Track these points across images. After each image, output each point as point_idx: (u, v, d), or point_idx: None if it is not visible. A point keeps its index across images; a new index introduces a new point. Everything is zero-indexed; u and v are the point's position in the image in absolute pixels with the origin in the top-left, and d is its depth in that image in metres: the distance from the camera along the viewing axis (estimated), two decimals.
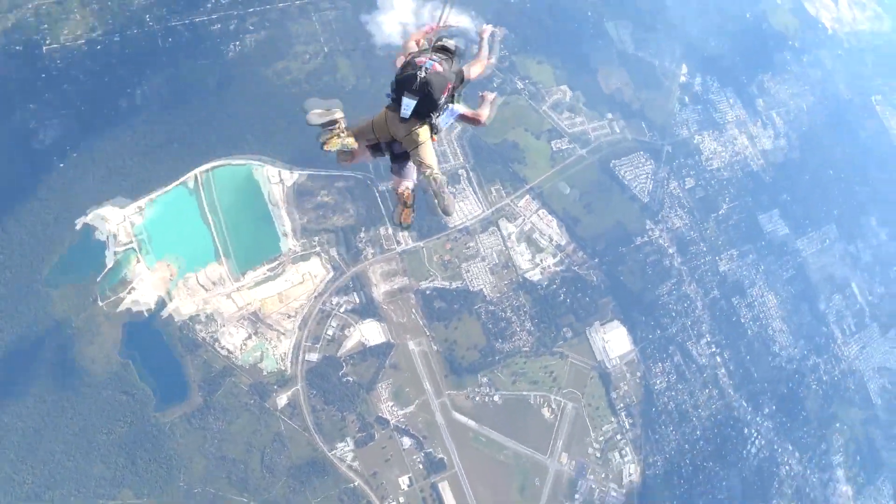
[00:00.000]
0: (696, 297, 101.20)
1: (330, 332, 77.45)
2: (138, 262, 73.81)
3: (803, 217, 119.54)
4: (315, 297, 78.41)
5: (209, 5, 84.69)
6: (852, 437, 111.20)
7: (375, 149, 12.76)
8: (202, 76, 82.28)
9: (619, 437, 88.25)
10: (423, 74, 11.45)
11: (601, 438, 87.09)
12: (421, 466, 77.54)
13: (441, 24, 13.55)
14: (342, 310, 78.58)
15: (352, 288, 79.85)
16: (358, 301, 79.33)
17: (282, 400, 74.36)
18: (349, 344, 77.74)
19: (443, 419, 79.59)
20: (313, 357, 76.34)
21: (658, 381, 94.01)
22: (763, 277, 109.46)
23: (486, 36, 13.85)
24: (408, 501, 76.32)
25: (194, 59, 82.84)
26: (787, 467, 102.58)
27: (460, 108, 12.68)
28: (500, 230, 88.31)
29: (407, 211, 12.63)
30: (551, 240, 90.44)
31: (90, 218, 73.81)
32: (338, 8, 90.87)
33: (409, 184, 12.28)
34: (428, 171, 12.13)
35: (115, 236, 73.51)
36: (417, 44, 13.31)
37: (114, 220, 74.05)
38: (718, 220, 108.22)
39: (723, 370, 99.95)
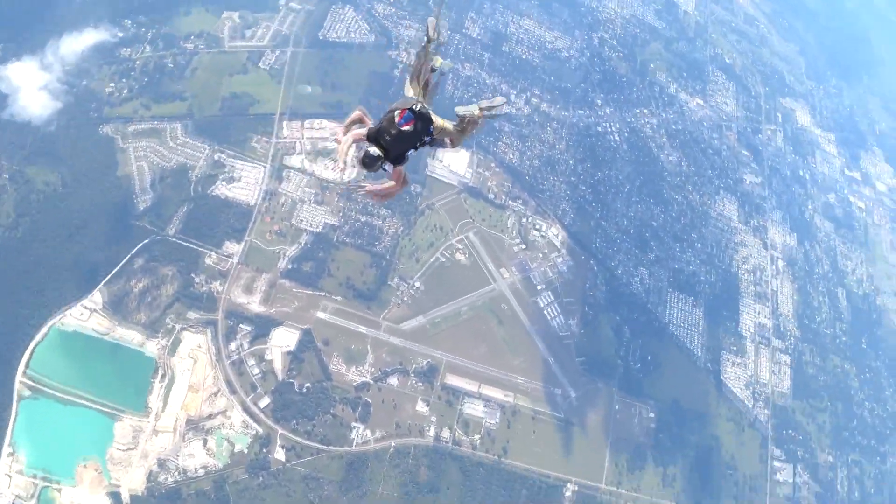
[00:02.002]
0: (475, 71, 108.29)
1: (256, 371, 78.25)
2: (59, 491, 70.45)
3: None
4: (216, 361, 78.35)
5: None
6: (668, 64, 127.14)
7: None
8: None
9: (523, 220, 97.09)
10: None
11: (513, 233, 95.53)
12: (421, 384, 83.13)
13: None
14: (246, 348, 79.13)
15: (234, 324, 79.96)
16: (250, 328, 79.95)
17: (279, 454, 75.91)
18: (278, 364, 79.22)
19: (398, 339, 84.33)
20: (266, 402, 77.46)
21: (511, 156, 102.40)
22: (508, 13, 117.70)
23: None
24: (438, 414, 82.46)
25: None
26: (648, 126, 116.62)
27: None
28: (291, 168, 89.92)
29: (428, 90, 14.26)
30: (334, 134, 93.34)
31: None
32: None
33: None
34: None
35: (15, 495, 69.21)
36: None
37: (2, 485, 69.58)
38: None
39: (544, 104, 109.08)
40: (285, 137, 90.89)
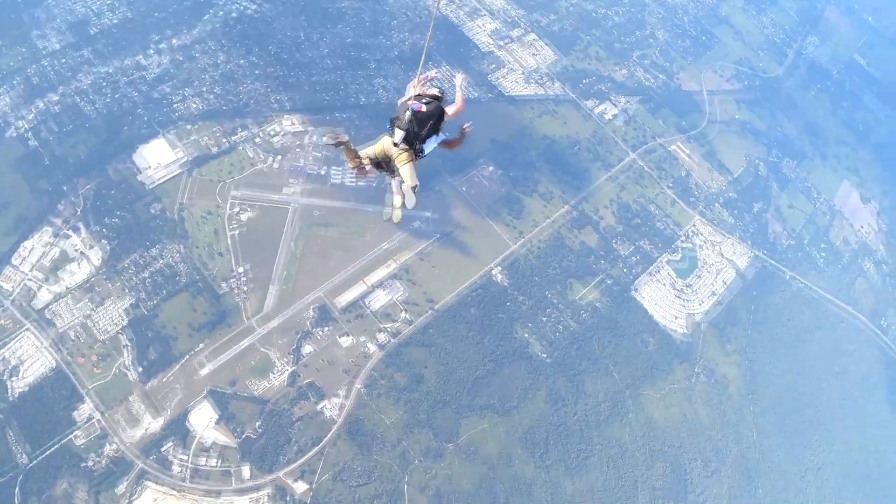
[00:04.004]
0: (105, 67, 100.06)
1: (213, 462, 78.12)
2: None
3: None
4: (179, 492, 76.49)
5: None
6: None
7: (378, 166, 17.80)
8: None
9: (257, 139, 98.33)
10: (409, 115, 16.66)
11: (261, 156, 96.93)
12: (327, 328, 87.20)
13: (426, 76, 18.55)
14: (187, 457, 78.06)
15: (156, 453, 77.61)
16: (171, 441, 78.16)
17: (299, 487, 78.37)
18: (222, 436, 79.11)
19: (276, 321, 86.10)
20: (246, 470, 78.31)
21: (195, 104, 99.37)
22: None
23: (458, 83, 19.42)
24: (361, 332, 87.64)
25: None
26: None
27: (442, 136, 17.74)
28: (48, 305, 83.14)
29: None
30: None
31: None
32: None
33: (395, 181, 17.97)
34: (404, 184, 17.40)
35: None
36: (414, 88, 18.01)
37: None
38: None
39: (175, 39, 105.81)
40: (11, 290, 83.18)
